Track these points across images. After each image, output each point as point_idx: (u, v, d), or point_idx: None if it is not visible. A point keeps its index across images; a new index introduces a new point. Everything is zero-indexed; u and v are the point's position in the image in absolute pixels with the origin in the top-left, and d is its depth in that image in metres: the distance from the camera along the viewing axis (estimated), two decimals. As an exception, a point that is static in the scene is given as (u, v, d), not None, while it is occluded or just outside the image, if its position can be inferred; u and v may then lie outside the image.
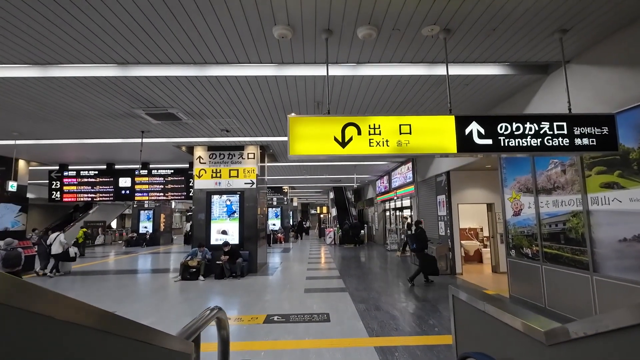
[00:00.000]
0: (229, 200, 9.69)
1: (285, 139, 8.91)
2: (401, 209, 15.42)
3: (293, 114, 3.71)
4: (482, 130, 3.69)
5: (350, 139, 3.63)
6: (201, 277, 8.58)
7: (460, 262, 8.85)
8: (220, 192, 9.70)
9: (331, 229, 20.41)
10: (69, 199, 11.90)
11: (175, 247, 19.79)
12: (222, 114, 6.76)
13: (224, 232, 9.57)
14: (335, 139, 3.63)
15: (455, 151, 3.65)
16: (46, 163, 12.02)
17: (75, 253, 10.50)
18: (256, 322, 5.04)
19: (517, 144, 3.67)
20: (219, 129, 7.95)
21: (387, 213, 17.92)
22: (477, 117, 3.72)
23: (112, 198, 11.87)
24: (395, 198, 15.06)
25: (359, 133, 3.65)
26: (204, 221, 9.61)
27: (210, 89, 5.44)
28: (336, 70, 4.92)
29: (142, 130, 7.87)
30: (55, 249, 9.92)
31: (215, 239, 9.56)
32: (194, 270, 8.66)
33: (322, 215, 33.50)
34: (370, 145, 3.63)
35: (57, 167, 11.92)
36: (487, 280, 7.95)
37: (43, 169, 12.26)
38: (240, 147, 9.78)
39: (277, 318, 5.21)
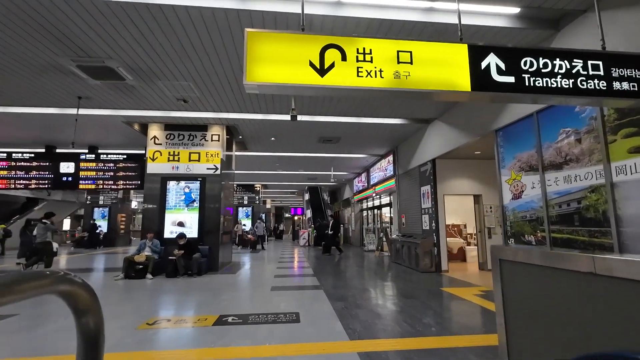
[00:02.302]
0: (188, 188, 8.42)
1: (256, 116, 7.83)
2: (379, 207, 14.64)
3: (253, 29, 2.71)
4: (502, 65, 2.84)
5: (332, 66, 2.66)
6: (149, 275, 7.22)
7: (446, 258, 8.07)
8: (178, 178, 8.41)
9: (305, 231, 19.33)
10: (-3, 186, 10.09)
11: (133, 248, 17.87)
12: (176, 72, 5.60)
13: (181, 224, 8.27)
14: (312, 65, 2.64)
15: (469, 89, 2.77)
16: (-30, 143, 10.20)
17: (57, 248, 9.74)
18: (204, 324, 3.88)
19: (544, 85, 2.85)
20: (175, 98, 6.74)
21: (365, 213, 17.11)
22: (496, 47, 2.87)
23: (50, 185, 10.19)
24: (374, 195, 14.26)
25: (344, 58, 2.68)
26: (157, 211, 8.26)
27: (155, 27, 4.30)
28: (313, 8, 3.97)
29: (79, 95, 6.52)
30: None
31: (170, 231, 8.22)
32: (141, 267, 7.29)
33: (296, 218, 32.35)
34: (358, 76, 2.67)
35: (-17, 149, 10.12)
36: (475, 278, 7.19)
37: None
38: (203, 127, 8.57)
39: (233, 319, 4.07)
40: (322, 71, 2.63)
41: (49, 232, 8.65)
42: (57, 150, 10.61)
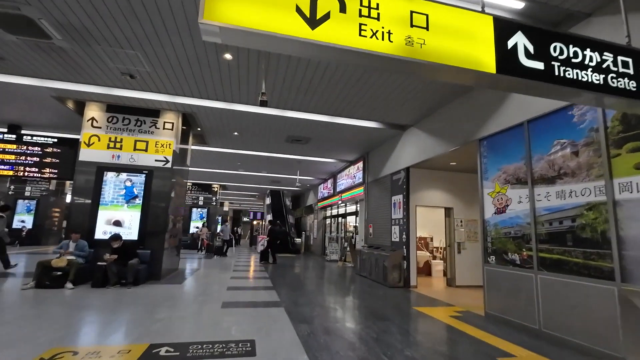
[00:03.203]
0: (130, 181, 7.17)
1: (218, 104, 6.87)
2: (344, 215, 14.11)
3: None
4: (531, 48, 2.32)
5: (327, 17, 1.94)
6: (69, 284, 5.88)
7: (415, 273, 7.62)
8: (119, 169, 7.14)
9: (264, 236, 18.24)
10: None
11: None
12: (120, 37, 4.55)
13: (117, 224, 6.99)
14: (299, 11, 1.90)
15: (494, 70, 2.20)
16: None
17: None
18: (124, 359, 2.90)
19: (575, 77, 2.38)
20: (120, 71, 5.62)
21: (328, 221, 16.50)
22: (524, 25, 2.35)
23: (-49, 168, 8.30)
24: (339, 203, 13.70)
25: (343, 10, 1.98)
26: (89, 206, 6.91)
27: (89, -35, 3.31)
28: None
29: (-11, 54, 5.16)
30: None
31: (103, 231, 6.91)
32: (60, 273, 5.93)
33: (255, 222, 31.04)
34: (360, 35, 1.98)
35: None
36: (446, 295, 6.79)
37: None
38: (154, 113, 7.41)
39: (167, 351, 3.12)
40: (312, 22, 1.91)
41: (2, 227, 7.63)
42: (-34, 126, 8.74)
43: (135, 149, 7.29)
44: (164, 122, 7.46)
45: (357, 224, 12.65)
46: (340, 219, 14.69)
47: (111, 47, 4.80)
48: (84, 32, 4.44)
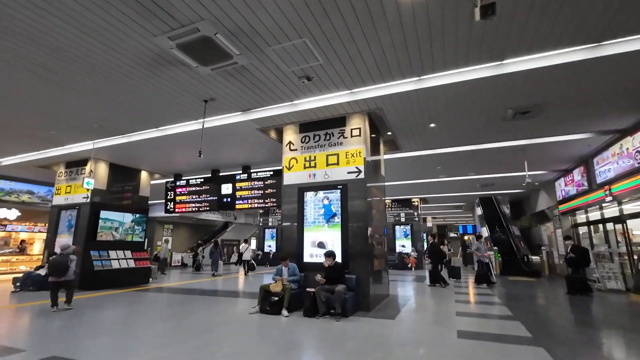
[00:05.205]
0: (327, 199, 6.67)
1: (406, 86, 5.39)
2: (620, 219, 9.03)
3: None
4: None
5: None
6: (284, 312, 5.64)
7: None
8: (316, 188, 6.81)
9: (487, 254, 14.71)
10: (181, 210, 11.39)
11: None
12: (283, 23, 3.89)
13: (321, 245, 6.52)
14: None
15: None
16: (165, 174, 12.06)
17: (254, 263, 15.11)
18: None
19: None
20: (297, 76, 5.16)
21: (583, 229, 11.34)
22: None
23: (214, 207, 10.74)
24: (606, 200, 8.92)
25: None
26: (295, 229, 6.84)
27: None
28: None
29: (205, 98, 5.86)
30: (246, 256, 14.25)
31: (310, 254, 6.60)
32: (276, 299, 5.82)
33: (465, 238, 26.99)
34: None
35: (172, 178, 11.74)
36: None
37: (163, 181, 12.30)
38: (340, 121, 6.78)
39: None
40: None
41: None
42: (220, 174, 11.24)
43: (327, 165, 6.81)
44: (351, 130, 6.67)
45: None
46: (611, 224, 9.57)
47: (280, 44, 4.27)
48: (252, 33, 4.07)
